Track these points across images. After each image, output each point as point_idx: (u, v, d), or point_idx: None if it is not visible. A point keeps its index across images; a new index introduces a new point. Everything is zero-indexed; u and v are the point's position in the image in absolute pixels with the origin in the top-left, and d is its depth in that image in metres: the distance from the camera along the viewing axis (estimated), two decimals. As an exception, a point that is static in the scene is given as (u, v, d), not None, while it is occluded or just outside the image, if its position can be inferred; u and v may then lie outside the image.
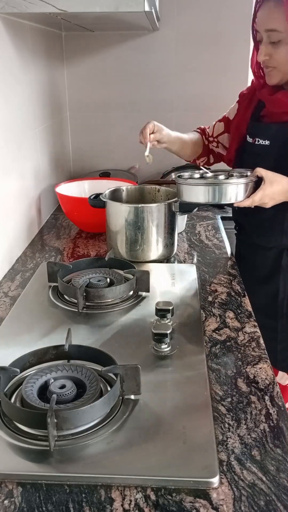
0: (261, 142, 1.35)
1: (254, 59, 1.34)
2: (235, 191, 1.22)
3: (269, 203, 1.24)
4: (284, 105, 1.30)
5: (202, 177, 1.30)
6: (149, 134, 1.42)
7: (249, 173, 1.25)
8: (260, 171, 1.22)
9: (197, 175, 1.31)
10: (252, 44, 1.35)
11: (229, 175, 1.26)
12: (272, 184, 1.21)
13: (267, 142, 1.34)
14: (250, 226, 1.51)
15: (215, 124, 1.58)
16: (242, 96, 1.51)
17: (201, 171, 1.34)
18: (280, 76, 1.27)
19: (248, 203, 1.22)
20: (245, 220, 1.53)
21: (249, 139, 1.41)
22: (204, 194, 1.24)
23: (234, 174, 1.26)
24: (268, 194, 1.22)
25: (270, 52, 1.22)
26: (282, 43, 1.19)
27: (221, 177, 1.26)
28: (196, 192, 1.25)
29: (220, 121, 1.57)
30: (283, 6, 1.14)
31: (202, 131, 1.61)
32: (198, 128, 1.63)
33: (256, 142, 1.37)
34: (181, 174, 1.34)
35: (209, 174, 1.30)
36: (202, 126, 1.63)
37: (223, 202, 1.24)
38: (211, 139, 1.58)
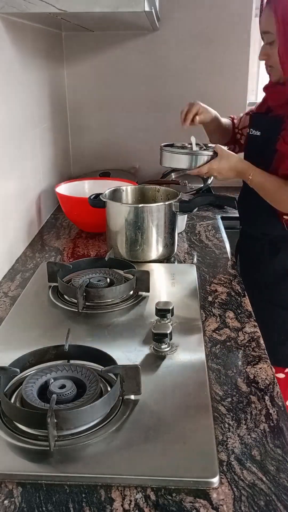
0: (254, 132, 1.46)
1: None
2: (191, 161, 1.40)
3: (218, 177, 1.40)
4: (276, 98, 1.39)
5: (182, 147, 1.47)
6: (193, 116, 1.49)
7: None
8: (217, 148, 1.37)
9: (179, 144, 1.49)
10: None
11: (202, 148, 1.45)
12: (221, 160, 1.36)
13: (258, 133, 1.45)
14: (243, 216, 1.61)
15: (242, 116, 1.65)
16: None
17: (187, 144, 1.47)
18: (278, 74, 1.34)
19: (195, 171, 1.40)
20: (240, 210, 1.59)
21: (247, 130, 1.52)
22: (170, 160, 1.45)
23: (206, 148, 1.44)
24: (214, 168, 1.37)
25: (267, 53, 1.32)
26: (275, 44, 1.28)
27: (195, 148, 1.44)
28: (166, 158, 1.46)
29: (247, 114, 1.63)
30: (272, 10, 1.25)
31: (232, 120, 1.67)
32: (229, 116, 1.68)
33: (250, 133, 1.48)
34: (173, 143, 1.50)
35: (190, 146, 1.46)
36: (232, 116, 1.68)
37: (182, 167, 1.46)
38: (236, 130, 1.65)
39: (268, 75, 1.44)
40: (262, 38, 1.36)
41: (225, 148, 1.39)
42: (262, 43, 1.35)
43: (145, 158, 2.31)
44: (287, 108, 1.35)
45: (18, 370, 0.88)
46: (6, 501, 0.68)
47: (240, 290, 1.29)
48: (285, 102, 1.35)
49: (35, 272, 1.39)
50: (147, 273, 1.24)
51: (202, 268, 1.43)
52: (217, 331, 1.09)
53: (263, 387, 0.91)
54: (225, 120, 1.64)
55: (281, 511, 0.66)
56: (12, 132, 1.47)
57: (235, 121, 1.67)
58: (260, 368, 0.96)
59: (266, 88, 1.44)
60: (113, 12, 1.24)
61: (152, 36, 2.16)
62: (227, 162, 1.36)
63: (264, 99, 1.49)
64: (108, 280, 1.26)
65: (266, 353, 1.02)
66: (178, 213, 1.44)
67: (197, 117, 1.49)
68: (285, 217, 1.40)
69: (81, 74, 2.23)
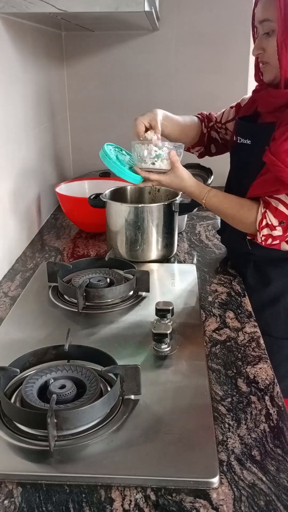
0: (243, 141, 1.32)
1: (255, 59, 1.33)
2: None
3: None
4: (268, 104, 1.26)
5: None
6: (144, 132, 1.33)
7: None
8: (173, 164, 1.23)
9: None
10: (251, 44, 1.33)
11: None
12: (173, 180, 1.24)
13: (248, 141, 1.30)
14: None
15: (225, 110, 1.48)
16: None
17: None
18: (274, 72, 1.21)
19: (144, 174, 1.26)
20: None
21: (233, 137, 1.38)
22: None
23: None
24: (163, 184, 1.26)
25: (264, 46, 1.20)
26: (274, 34, 1.17)
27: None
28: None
29: (232, 107, 1.46)
30: None
31: (204, 118, 1.49)
32: (199, 114, 1.50)
33: (239, 141, 1.33)
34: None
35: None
36: (206, 112, 1.50)
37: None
38: (219, 125, 1.48)
39: (255, 79, 1.31)
40: (254, 33, 1.26)
41: (180, 165, 1.24)
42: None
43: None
44: (278, 115, 1.20)
45: (18, 370, 0.88)
46: (6, 501, 0.68)
47: (240, 290, 1.29)
48: (277, 108, 1.21)
49: (35, 272, 1.39)
50: (147, 273, 1.24)
51: (202, 268, 1.43)
52: (217, 331, 1.09)
53: (263, 387, 0.91)
54: (186, 120, 1.44)
55: (281, 511, 0.66)
56: (12, 131, 1.47)
57: (215, 116, 1.48)
58: (260, 368, 0.96)
59: (256, 92, 1.31)
60: (113, 12, 1.24)
61: (152, 36, 2.16)
62: (179, 183, 1.25)
63: (252, 101, 1.35)
64: (108, 280, 1.26)
65: (266, 353, 1.02)
66: (178, 213, 1.44)
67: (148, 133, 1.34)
68: (248, 237, 1.28)
69: (81, 74, 2.23)
